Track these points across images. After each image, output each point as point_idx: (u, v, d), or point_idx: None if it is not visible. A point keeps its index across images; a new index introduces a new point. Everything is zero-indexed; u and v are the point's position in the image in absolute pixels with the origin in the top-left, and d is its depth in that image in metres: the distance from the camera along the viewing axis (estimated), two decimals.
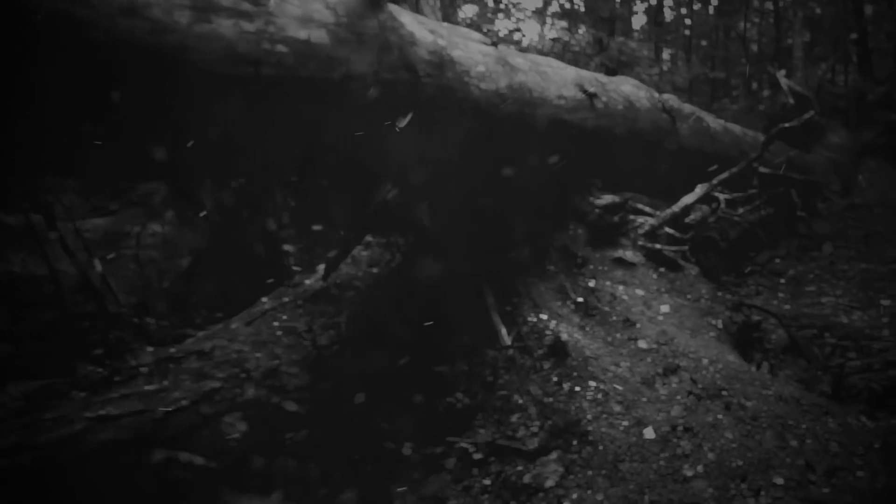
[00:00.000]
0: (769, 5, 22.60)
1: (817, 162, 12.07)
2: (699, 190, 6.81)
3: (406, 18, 4.61)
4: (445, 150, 4.91)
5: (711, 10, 19.89)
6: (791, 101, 13.26)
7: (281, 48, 3.66)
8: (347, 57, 4.03)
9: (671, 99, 7.44)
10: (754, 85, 18.84)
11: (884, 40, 21.46)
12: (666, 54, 18.19)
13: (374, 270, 5.83)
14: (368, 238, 5.96)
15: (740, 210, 7.72)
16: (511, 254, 5.55)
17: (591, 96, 5.92)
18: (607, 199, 5.97)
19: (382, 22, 4.32)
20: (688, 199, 6.62)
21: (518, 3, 19.53)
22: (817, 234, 9.61)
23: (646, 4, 21.60)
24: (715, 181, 7.04)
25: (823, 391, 5.98)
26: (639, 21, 21.55)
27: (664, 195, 7.73)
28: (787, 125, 8.33)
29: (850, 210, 11.44)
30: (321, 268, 5.84)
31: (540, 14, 18.54)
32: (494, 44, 5.29)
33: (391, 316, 5.37)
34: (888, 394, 5.99)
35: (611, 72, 6.99)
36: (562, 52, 12.02)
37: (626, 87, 6.75)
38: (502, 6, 18.01)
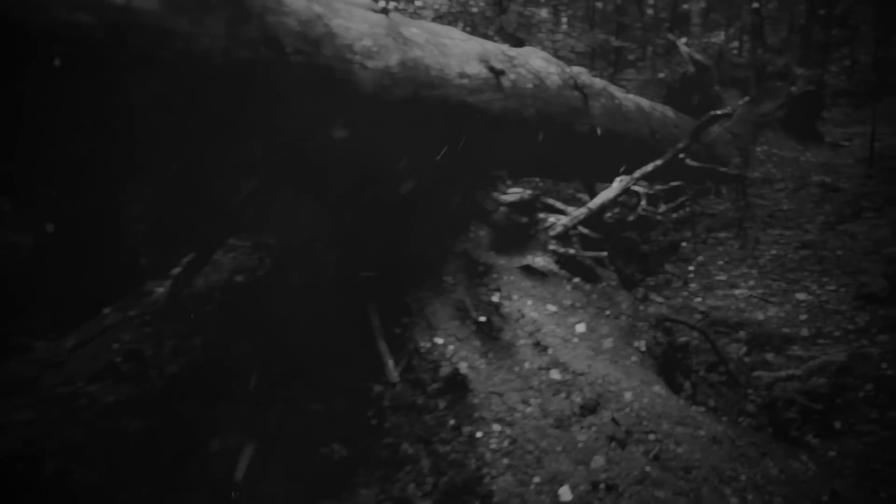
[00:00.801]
0: None
1: (719, 136, 11.43)
2: (617, 184, 5.85)
3: None
4: (324, 140, 3.86)
5: None
6: (691, 69, 12.60)
7: (84, 17, 2.53)
8: (185, 29, 2.91)
9: (582, 73, 6.47)
10: (649, 50, 18.08)
11: (774, 9, 21.11)
12: (564, 17, 17.21)
13: (239, 279, 4.74)
14: (233, 240, 4.86)
15: (662, 207, 6.81)
16: (402, 263, 4.53)
17: (499, 74, 4.90)
18: (514, 194, 4.97)
19: None
20: (605, 195, 5.66)
21: None
22: (723, 214, 8.89)
23: None
24: (637, 174, 6.09)
25: (750, 412, 5.24)
26: None
27: (577, 180, 6.81)
28: (718, 112, 7.44)
29: (751, 186, 10.86)
30: (177, 273, 4.74)
31: None
32: (385, 10, 4.20)
33: (257, 338, 4.31)
34: (813, 412, 5.32)
35: (518, 42, 5.98)
36: (459, 13, 10.96)
37: (536, 62, 5.75)
38: None
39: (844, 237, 8.40)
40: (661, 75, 13.68)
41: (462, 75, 4.60)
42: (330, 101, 3.67)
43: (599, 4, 18.87)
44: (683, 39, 13.61)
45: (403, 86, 4.07)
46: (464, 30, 11.71)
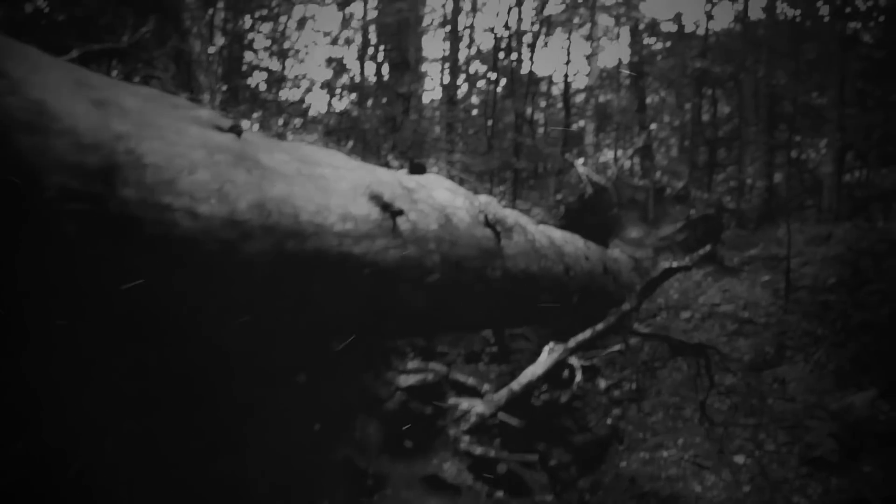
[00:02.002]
0: (555, 89, 21.36)
1: (623, 262, 10.43)
2: (547, 356, 4.50)
3: (42, 75, 2.09)
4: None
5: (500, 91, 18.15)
6: (590, 190, 11.67)
7: None
8: None
9: (491, 204, 5.19)
10: (544, 169, 17.25)
11: (661, 128, 20.81)
12: (458, 136, 16.20)
13: None
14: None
15: (603, 384, 5.45)
16: (257, 483, 3.02)
17: (395, 214, 3.55)
18: (415, 374, 3.55)
19: None
20: (532, 371, 4.28)
21: (306, 75, 17.06)
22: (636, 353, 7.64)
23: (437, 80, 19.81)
24: (571, 343, 4.75)
25: None
26: (428, 96, 19.65)
27: (484, 329, 5.43)
28: (674, 266, 6.22)
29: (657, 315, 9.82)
30: None
31: (329, 86, 16.17)
32: (235, 129, 2.81)
33: None
34: None
35: (417, 168, 4.72)
36: (350, 129, 9.78)
37: (440, 194, 4.44)
38: (289, 76, 15.60)
39: (773, 383, 7.27)
40: (559, 196, 12.74)
41: (346, 217, 3.24)
42: (133, 271, 2.23)
43: (490, 122, 18.03)
44: (580, 160, 12.71)
45: (259, 239, 2.67)
46: (354, 147, 10.51)
